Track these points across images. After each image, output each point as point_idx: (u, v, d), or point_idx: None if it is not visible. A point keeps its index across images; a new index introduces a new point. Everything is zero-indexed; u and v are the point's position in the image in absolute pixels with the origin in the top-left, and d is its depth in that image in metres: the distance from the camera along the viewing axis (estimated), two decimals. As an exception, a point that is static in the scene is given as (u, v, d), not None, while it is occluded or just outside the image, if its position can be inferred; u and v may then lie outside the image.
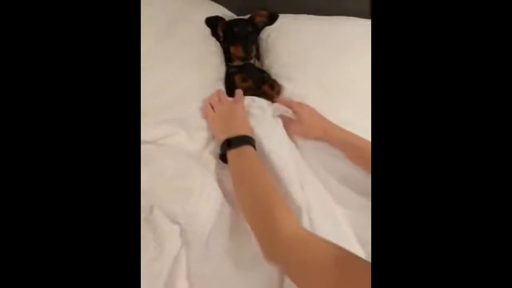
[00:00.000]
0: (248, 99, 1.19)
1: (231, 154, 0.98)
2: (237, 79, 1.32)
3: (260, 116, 1.12)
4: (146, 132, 0.99)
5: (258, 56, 1.47)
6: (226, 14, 1.52)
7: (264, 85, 1.32)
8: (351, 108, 1.25)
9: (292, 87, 1.30)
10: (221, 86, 1.29)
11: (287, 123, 1.16)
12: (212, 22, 1.40)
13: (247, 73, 1.35)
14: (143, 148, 0.95)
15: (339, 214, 1.00)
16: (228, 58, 1.43)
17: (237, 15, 1.54)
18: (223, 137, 1.01)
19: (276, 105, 1.18)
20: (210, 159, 1.05)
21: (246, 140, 0.99)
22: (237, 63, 1.41)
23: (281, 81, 1.34)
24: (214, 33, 1.41)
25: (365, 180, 0.98)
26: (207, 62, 1.31)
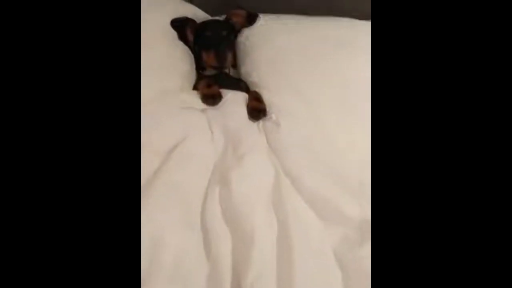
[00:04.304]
0: None
1: None
2: (202, 84, 1.16)
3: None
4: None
5: (235, 64, 1.30)
6: (198, 14, 1.36)
7: (250, 101, 1.15)
8: (338, 123, 1.11)
9: (271, 98, 1.16)
10: (186, 96, 1.14)
11: None
12: (179, 24, 1.24)
13: (220, 84, 1.18)
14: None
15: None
16: (199, 65, 1.26)
17: (211, 16, 1.38)
18: None
19: None
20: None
21: None
22: (210, 72, 1.25)
23: (259, 90, 1.20)
24: (182, 37, 1.24)
25: None
26: (171, 69, 1.16)
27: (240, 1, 1.38)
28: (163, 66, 1.13)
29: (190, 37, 1.25)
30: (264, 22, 1.31)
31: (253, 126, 1.08)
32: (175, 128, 1.01)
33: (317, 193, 0.92)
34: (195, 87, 1.19)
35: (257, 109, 1.11)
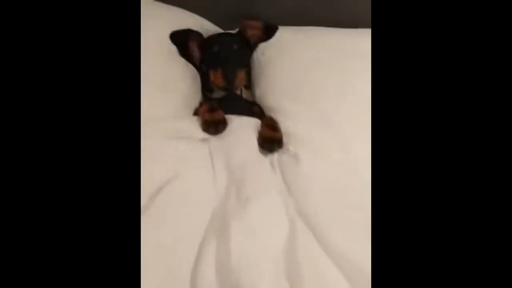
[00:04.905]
0: None
1: None
2: (203, 108, 1.01)
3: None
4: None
5: (249, 84, 1.13)
6: (206, 26, 1.21)
7: (263, 128, 0.98)
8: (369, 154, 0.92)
9: (290, 126, 1.01)
10: (183, 124, 0.99)
11: None
12: (181, 38, 1.09)
13: (229, 108, 1.01)
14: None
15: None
16: (206, 86, 1.11)
17: (223, 29, 1.23)
18: None
19: None
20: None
21: None
22: (218, 93, 1.09)
23: (276, 116, 1.04)
24: (184, 52, 1.09)
25: None
26: (166, 91, 1.01)
27: (255, 11, 1.24)
28: (156, 87, 0.98)
29: (196, 52, 1.10)
30: (282, 35, 1.15)
31: (265, 160, 0.92)
32: (164, 162, 0.84)
33: (347, 252, 0.72)
34: (196, 113, 1.02)
35: (270, 139, 0.94)
